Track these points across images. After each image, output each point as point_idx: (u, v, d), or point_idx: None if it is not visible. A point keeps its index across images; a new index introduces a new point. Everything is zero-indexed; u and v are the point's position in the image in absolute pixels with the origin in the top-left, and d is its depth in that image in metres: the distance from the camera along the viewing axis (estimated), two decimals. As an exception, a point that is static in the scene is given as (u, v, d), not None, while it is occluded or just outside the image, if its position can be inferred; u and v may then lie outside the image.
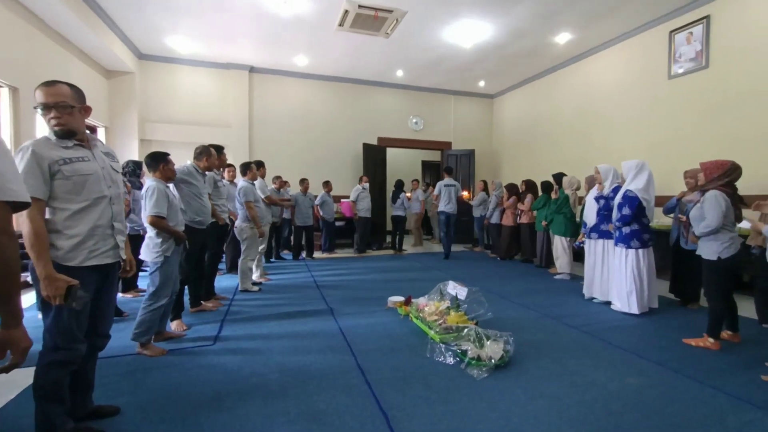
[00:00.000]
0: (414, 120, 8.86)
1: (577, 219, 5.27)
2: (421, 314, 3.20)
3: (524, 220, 6.27)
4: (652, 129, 5.58)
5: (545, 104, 7.75)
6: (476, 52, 6.68)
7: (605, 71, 6.39)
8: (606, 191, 3.95)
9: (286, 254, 6.92)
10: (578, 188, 5.45)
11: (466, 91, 9.09)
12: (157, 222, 2.59)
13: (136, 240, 4.22)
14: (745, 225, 2.80)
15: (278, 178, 6.42)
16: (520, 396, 2.10)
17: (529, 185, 6.35)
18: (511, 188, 6.58)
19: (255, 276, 4.81)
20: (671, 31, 5.26)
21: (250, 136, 7.60)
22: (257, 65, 7.46)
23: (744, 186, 3.08)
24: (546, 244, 5.77)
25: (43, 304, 1.59)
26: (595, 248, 4.04)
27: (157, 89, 7.08)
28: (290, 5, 5.05)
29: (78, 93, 1.68)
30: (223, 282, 4.73)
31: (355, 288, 4.60)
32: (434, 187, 7.35)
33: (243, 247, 4.36)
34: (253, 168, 4.59)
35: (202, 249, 3.44)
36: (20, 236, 1.48)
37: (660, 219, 4.85)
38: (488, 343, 2.51)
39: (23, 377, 2.22)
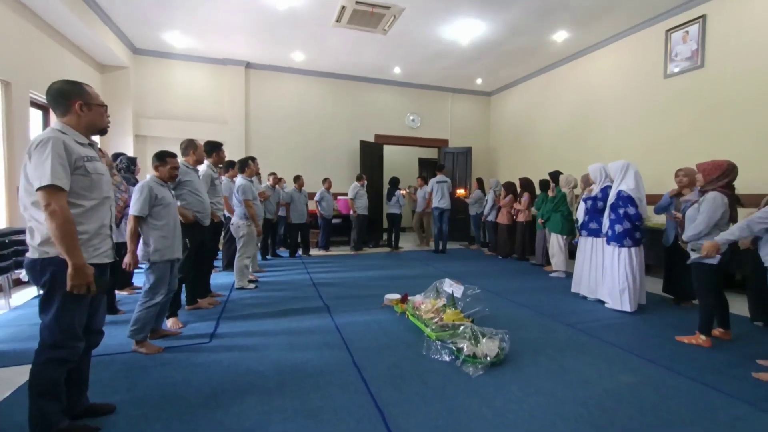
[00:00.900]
0: (411, 117, 8.85)
1: (574, 217, 5.29)
2: (417, 312, 3.21)
3: (521, 218, 6.29)
4: (648, 127, 5.62)
5: (542, 102, 7.77)
6: (473, 50, 6.67)
7: (602, 69, 6.41)
8: (595, 191, 3.98)
9: (282, 251, 6.91)
10: (575, 186, 5.48)
11: (463, 88, 9.08)
12: (132, 221, 2.57)
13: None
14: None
15: (273, 174, 6.38)
16: (515, 393, 2.12)
17: (525, 183, 6.37)
18: (508, 186, 6.60)
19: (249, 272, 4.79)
20: (667, 30, 5.28)
21: (246, 132, 7.56)
22: (253, 61, 7.41)
23: (740, 185, 3.10)
24: (543, 242, 5.81)
25: (44, 300, 1.58)
26: (584, 246, 4.07)
27: (153, 84, 7.01)
28: (287, 0, 5.01)
29: None
30: (219, 279, 4.72)
31: (352, 285, 4.61)
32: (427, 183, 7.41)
33: (239, 245, 4.34)
34: (251, 165, 4.52)
35: (201, 246, 3.41)
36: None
37: (652, 218, 4.89)
38: (484, 340, 2.53)
39: (18, 375, 2.21)
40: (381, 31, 5.89)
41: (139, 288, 4.25)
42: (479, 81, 8.53)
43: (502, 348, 2.52)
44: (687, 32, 5.06)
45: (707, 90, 4.87)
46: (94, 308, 1.76)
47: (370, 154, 8.19)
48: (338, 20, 5.52)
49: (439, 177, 7.00)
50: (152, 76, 7.00)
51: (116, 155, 4.20)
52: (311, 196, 6.94)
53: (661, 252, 4.80)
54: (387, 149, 8.87)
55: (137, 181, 4.27)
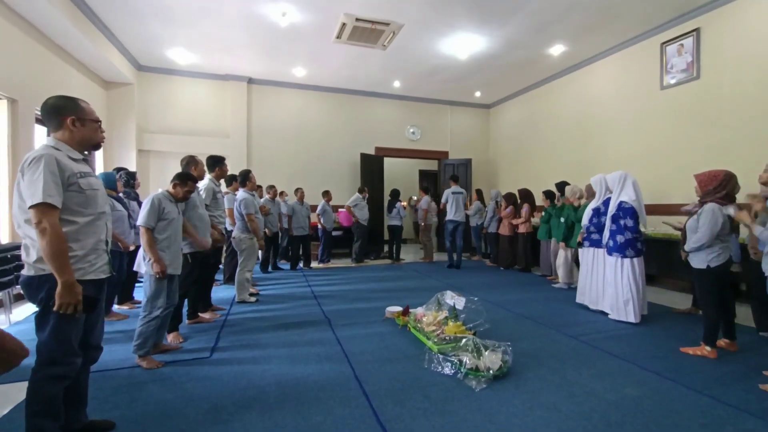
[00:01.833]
0: (411, 130, 8.93)
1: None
2: (419, 324, 3.19)
3: (522, 229, 6.29)
4: (647, 138, 5.66)
5: (541, 114, 7.85)
6: (472, 63, 6.78)
7: (599, 82, 6.49)
8: (597, 203, 3.99)
9: (283, 264, 6.90)
10: (581, 197, 5.48)
11: (462, 101, 9.19)
12: (143, 233, 2.59)
13: (132, 252, 4.22)
14: (729, 211, 2.77)
15: (272, 187, 6.39)
16: (518, 407, 2.09)
17: (524, 195, 6.39)
18: (509, 198, 6.61)
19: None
20: (662, 43, 5.37)
21: (248, 147, 7.63)
22: (255, 76, 7.53)
23: (737, 195, 3.11)
24: (548, 253, 5.79)
25: (40, 317, 1.57)
26: (588, 256, 4.06)
27: (156, 100, 7.13)
28: (289, 17, 5.13)
29: None
30: (220, 293, 4.71)
31: (353, 298, 4.59)
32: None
33: (240, 258, 4.34)
34: (252, 178, 4.54)
35: (203, 261, 3.41)
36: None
37: (655, 227, 4.89)
38: (486, 353, 2.51)
39: (18, 391, 2.20)
40: (381, 46, 6.00)
41: (140, 302, 4.25)
42: (478, 94, 8.64)
43: (505, 361, 2.50)
44: (682, 45, 5.14)
45: (703, 101, 4.93)
46: (91, 323, 1.75)
47: (371, 167, 8.25)
48: (339, 36, 5.63)
49: (455, 188, 6.69)
50: (156, 91, 7.12)
51: (117, 170, 4.25)
52: (313, 208, 6.97)
53: (660, 261, 4.82)
54: (387, 161, 8.93)
55: (137, 195, 4.32)
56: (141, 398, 2.19)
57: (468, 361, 2.46)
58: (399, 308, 3.67)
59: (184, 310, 3.44)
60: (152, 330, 2.63)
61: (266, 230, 5.81)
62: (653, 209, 5.08)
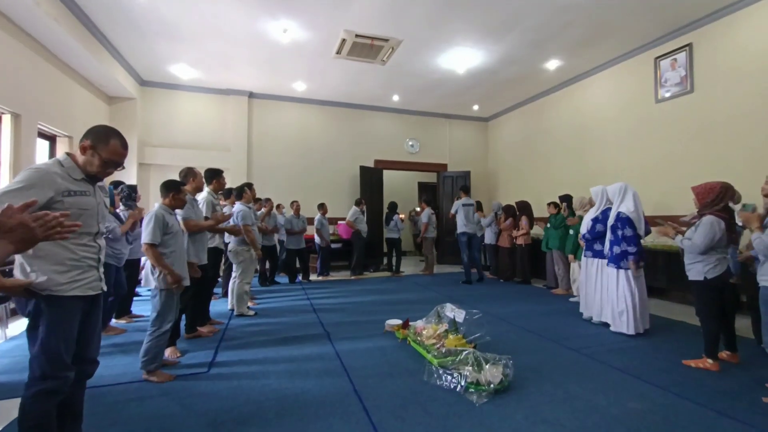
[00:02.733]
0: (410, 143, 9.01)
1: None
2: (419, 338, 3.16)
3: (520, 241, 6.30)
4: (643, 151, 5.72)
5: (538, 127, 7.94)
6: (470, 78, 6.89)
7: (595, 96, 6.59)
8: (596, 213, 4.01)
9: (281, 277, 6.87)
10: (588, 208, 5.52)
11: (460, 114, 9.30)
12: (149, 249, 2.59)
13: (134, 265, 4.22)
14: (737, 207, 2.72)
15: (268, 200, 6.38)
16: (521, 422, 2.07)
17: (522, 207, 6.41)
18: (508, 209, 6.64)
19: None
20: (656, 58, 5.48)
21: (248, 160, 7.69)
22: (256, 91, 7.64)
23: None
24: (553, 265, 5.78)
25: (29, 330, 1.57)
26: (589, 267, 4.05)
27: (158, 114, 7.21)
28: (290, 34, 5.24)
29: None
30: (219, 306, 4.68)
31: (352, 311, 4.56)
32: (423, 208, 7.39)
33: (237, 271, 4.33)
34: (248, 191, 4.59)
35: (201, 278, 3.39)
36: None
37: (656, 239, 4.90)
38: (487, 366, 2.48)
39: (8, 410, 2.17)
40: (380, 61, 6.11)
41: (138, 316, 4.23)
42: (476, 107, 8.75)
43: (506, 374, 2.48)
44: (675, 59, 5.24)
45: (698, 113, 5.00)
46: (87, 337, 1.73)
47: (370, 179, 8.29)
48: (339, 52, 5.74)
49: (465, 199, 6.58)
50: (158, 106, 7.21)
51: (116, 183, 4.27)
52: (310, 221, 6.97)
53: (662, 274, 4.81)
54: (386, 174, 8.99)
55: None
56: (139, 414, 2.16)
57: (469, 375, 2.43)
58: (399, 321, 3.64)
59: (182, 323, 3.41)
60: (163, 344, 2.63)
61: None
62: (653, 221, 5.09)
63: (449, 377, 2.51)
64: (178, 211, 2.94)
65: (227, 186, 4.94)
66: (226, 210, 4.49)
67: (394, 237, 7.39)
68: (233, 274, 4.42)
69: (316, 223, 6.84)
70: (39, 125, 4.70)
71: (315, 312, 4.53)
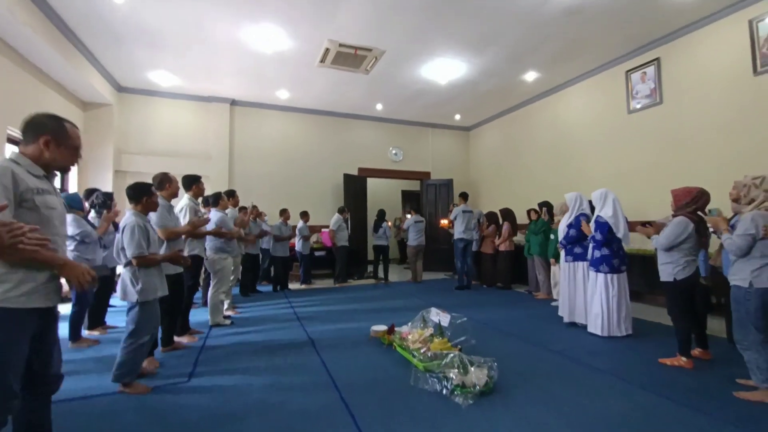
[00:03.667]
0: (393, 151, 9.09)
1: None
2: (404, 342, 3.16)
3: (502, 247, 6.40)
4: (617, 159, 5.95)
5: (518, 136, 8.16)
6: (451, 89, 7.04)
7: (572, 106, 6.84)
8: (570, 218, 4.13)
9: (264, 286, 6.74)
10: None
11: (443, 123, 9.46)
12: (142, 261, 2.50)
13: (107, 277, 4.07)
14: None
15: (255, 207, 6.28)
16: (506, 423, 2.08)
17: (505, 213, 6.54)
18: (491, 216, 6.75)
19: (225, 308, 4.65)
20: (627, 71, 5.75)
21: (230, 168, 7.58)
22: (239, 98, 7.58)
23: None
24: (534, 270, 5.89)
25: None
26: (568, 271, 4.15)
27: (136, 121, 7.04)
28: (273, 43, 5.24)
29: None
30: (198, 316, 4.54)
31: (337, 319, 4.51)
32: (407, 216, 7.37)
33: (214, 280, 4.24)
34: (224, 198, 4.66)
35: (178, 285, 3.29)
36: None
37: (635, 244, 5.07)
38: (473, 369, 2.50)
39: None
40: (363, 71, 6.18)
41: (112, 327, 4.07)
42: (458, 117, 8.93)
43: (491, 377, 2.50)
44: (645, 72, 5.51)
45: (667, 124, 5.26)
46: (47, 352, 1.59)
47: (354, 187, 8.30)
48: (322, 61, 5.78)
49: (464, 206, 6.56)
50: (136, 113, 7.04)
51: (90, 191, 4.14)
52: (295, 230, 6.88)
53: (643, 278, 4.97)
54: (371, 182, 9.01)
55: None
56: (113, 429, 2.06)
57: (454, 378, 2.44)
58: (384, 327, 3.63)
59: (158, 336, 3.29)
60: (140, 358, 2.52)
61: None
62: (630, 227, 5.28)
63: (435, 381, 2.51)
64: (151, 216, 2.84)
65: (208, 193, 4.87)
66: (204, 212, 4.44)
67: (383, 244, 7.37)
68: (210, 283, 4.33)
69: (304, 230, 6.77)
70: (8, 130, 4.51)
71: (299, 320, 4.45)
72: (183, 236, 3.38)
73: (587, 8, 4.51)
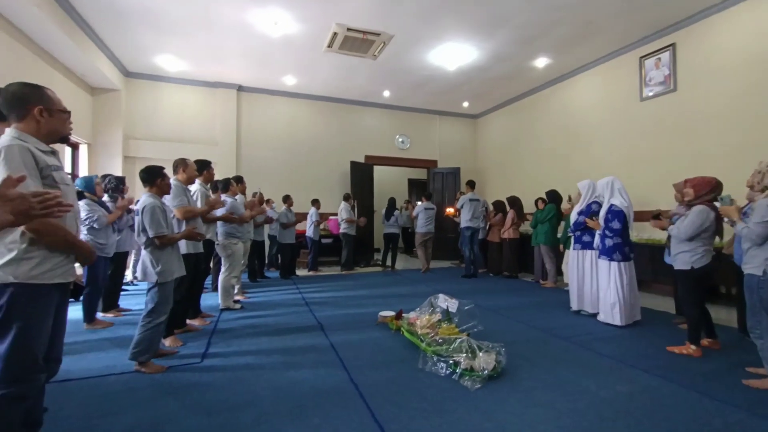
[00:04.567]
0: (400, 139, 9.04)
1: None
2: (412, 327, 3.19)
3: (506, 236, 6.40)
4: (628, 148, 5.87)
5: (527, 124, 8.06)
6: (460, 75, 6.95)
7: (582, 93, 6.72)
8: (581, 206, 4.10)
9: (272, 273, 6.81)
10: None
11: (450, 111, 9.36)
12: (163, 240, 2.58)
13: (121, 258, 4.15)
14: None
15: (260, 194, 6.22)
16: (514, 405, 2.11)
17: (512, 201, 6.52)
18: (498, 205, 6.73)
19: (235, 292, 4.72)
20: (641, 57, 5.62)
21: (237, 154, 7.59)
22: (246, 84, 7.54)
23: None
24: (541, 258, 5.88)
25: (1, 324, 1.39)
26: (576, 259, 4.14)
27: (144, 106, 7.05)
28: (280, 27, 5.18)
29: None
30: (209, 300, 4.61)
31: (345, 304, 4.56)
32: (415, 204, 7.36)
33: (225, 265, 4.29)
34: (234, 184, 4.67)
35: (195, 269, 3.34)
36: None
37: (639, 232, 5.04)
38: (481, 354, 2.53)
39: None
40: (371, 56, 6.10)
41: (126, 310, 4.15)
42: (466, 104, 8.82)
43: (499, 361, 2.53)
44: (659, 59, 5.39)
45: (680, 112, 5.16)
46: (56, 332, 1.59)
47: (361, 175, 8.29)
48: (330, 46, 5.71)
49: (471, 194, 6.58)
50: (143, 98, 7.04)
51: (103, 176, 4.19)
52: (299, 216, 6.89)
53: (649, 267, 4.96)
54: (377, 170, 8.99)
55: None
56: (131, 404, 2.13)
57: (463, 362, 2.47)
58: (392, 313, 3.67)
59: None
60: (157, 336, 2.59)
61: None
62: (638, 216, 5.24)
63: (443, 365, 2.55)
64: (166, 198, 2.89)
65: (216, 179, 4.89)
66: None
67: (394, 232, 7.38)
68: (222, 268, 4.38)
69: (315, 216, 6.79)
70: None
71: (307, 305, 4.51)
72: (200, 217, 3.43)
73: (602, -9, 4.40)
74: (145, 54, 6.14)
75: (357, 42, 5.61)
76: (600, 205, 3.94)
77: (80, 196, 3.44)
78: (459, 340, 2.72)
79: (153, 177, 2.69)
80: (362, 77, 7.14)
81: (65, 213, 1.20)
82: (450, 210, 8.01)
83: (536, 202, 6.06)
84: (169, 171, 2.90)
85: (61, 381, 2.31)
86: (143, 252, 2.62)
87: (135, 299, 4.66)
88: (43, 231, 1.43)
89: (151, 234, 2.55)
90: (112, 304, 4.07)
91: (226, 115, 7.50)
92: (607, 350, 2.99)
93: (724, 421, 1.95)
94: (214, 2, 4.66)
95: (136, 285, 5.63)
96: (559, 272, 5.65)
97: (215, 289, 5.14)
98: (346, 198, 7.15)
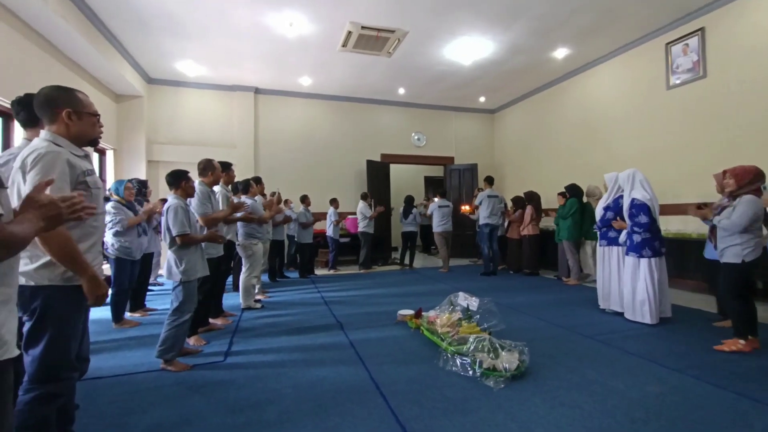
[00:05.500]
0: (416, 136, 8.98)
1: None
2: (432, 326, 3.16)
3: (525, 232, 6.26)
4: (652, 139, 5.64)
5: (546, 118, 7.86)
6: (476, 69, 6.83)
7: (604, 84, 6.50)
8: (609, 200, 3.96)
9: (291, 272, 6.89)
10: (600, 197, 5.47)
11: (466, 106, 9.24)
12: (185, 239, 2.65)
13: (146, 259, 4.27)
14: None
15: (278, 194, 6.27)
16: (539, 406, 2.06)
17: (529, 197, 6.38)
18: (517, 201, 6.60)
19: (255, 292, 4.79)
20: (667, 44, 5.38)
21: (255, 156, 7.71)
22: (262, 86, 7.64)
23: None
24: (564, 255, 5.74)
25: (33, 330, 1.42)
26: (604, 256, 4.00)
27: (165, 112, 7.24)
28: (295, 28, 5.22)
29: None
30: (230, 300, 4.70)
31: (363, 303, 4.57)
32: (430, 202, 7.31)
33: (246, 265, 4.36)
34: (254, 185, 4.77)
35: (216, 269, 3.41)
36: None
37: (666, 226, 4.84)
38: (503, 353, 2.48)
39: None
40: (386, 54, 6.07)
41: (152, 310, 4.27)
42: (482, 99, 8.68)
43: (522, 360, 2.47)
44: (687, 44, 5.15)
45: (711, 99, 4.91)
46: (83, 332, 1.66)
47: (377, 173, 8.28)
48: (344, 45, 5.71)
49: (489, 191, 6.51)
50: (165, 103, 7.24)
51: (131, 181, 4.33)
52: (317, 216, 6.94)
53: (679, 261, 4.76)
54: (393, 168, 8.95)
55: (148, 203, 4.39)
56: (157, 401, 2.18)
57: (485, 361, 2.43)
58: (411, 311, 3.65)
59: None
60: (182, 334, 2.66)
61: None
62: (664, 209, 5.04)
63: (465, 364, 2.51)
64: (191, 202, 2.97)
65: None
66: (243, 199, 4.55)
67: (412, 230, 7.35)
68: (242, 268, 4.46)
69: (334, 216, 6.84)
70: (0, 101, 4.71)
71: (326, 304, 4.54)
72: (223, 222, 3.49)
73: (624, -24, 4.23)
74: (166, 60, 6.30)
75: (371, 40, 5.59)
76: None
77: (106, 199, 3.56)
78: (480, 338, 2.67)
79: (178, 180, 2.80)
80: (377, 75, 7.12)
81: (90, 215, 1.23)
82: (465, 208, 7.92)
83: (558, 196, 5.89)
84: (193, 173, 2.98)
85: (92, 378, 2.40)
86: (168, 252, 2.70)
87: (160, 300, 4.79)
88: (52, 241, 1.38)
89: (174, 233, 2.63)
90: (139, 304, 4.20)
91: (243, 118, 7.63)
92: (634, 348, 2.88)
93: (765, 423, 1.84)
94: (231, 7, 4.73)
95: (162, 285, 5.79)
96: (580, 267, 5.52)
97: (236, 288, 5.24)
98: (363, 197, 7.16)
